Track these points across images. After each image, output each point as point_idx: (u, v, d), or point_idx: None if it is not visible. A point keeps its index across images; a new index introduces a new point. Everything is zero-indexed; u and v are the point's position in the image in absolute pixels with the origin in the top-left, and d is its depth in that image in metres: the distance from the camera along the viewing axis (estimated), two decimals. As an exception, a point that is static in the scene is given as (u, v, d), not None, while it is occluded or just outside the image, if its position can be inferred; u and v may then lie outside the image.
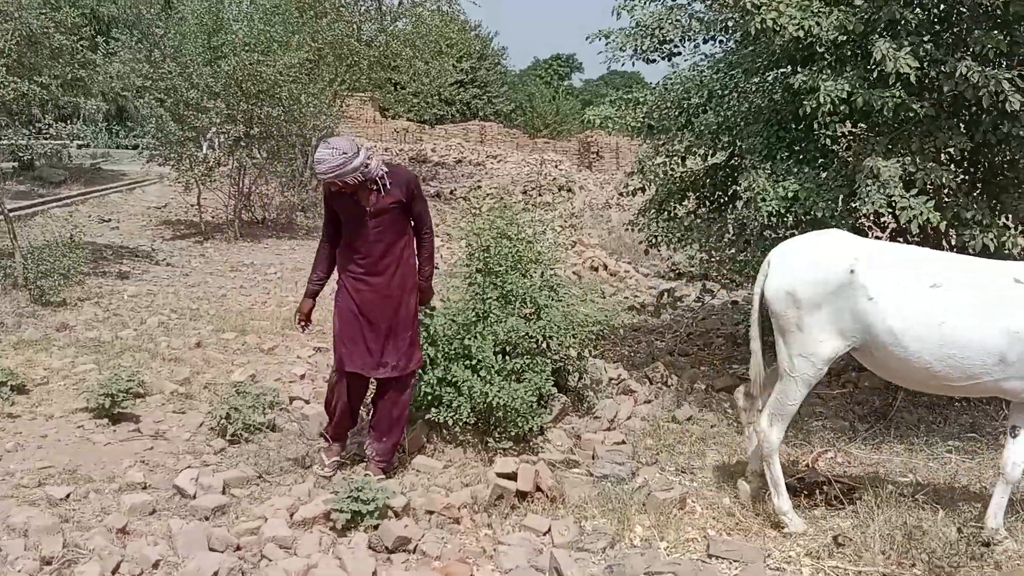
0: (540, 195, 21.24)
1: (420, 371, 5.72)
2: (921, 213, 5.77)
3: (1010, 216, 6.50)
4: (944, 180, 6.09)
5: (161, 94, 15.16)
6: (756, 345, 5.05)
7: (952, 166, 6.59)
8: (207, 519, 4.66)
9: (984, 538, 4.37)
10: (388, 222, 5.26)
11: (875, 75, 6.10)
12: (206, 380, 7.13)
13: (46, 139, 14.83)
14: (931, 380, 4.63)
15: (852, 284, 4.59)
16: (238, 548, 4.30)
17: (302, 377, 7.24)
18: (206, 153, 16.56)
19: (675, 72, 8.06)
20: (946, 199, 6.43)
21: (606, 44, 7.54)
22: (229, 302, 10.39)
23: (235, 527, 4.51)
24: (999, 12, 5.94)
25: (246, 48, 15.31)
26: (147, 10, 16.99)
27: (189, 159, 15.80)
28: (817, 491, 5.29)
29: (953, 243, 6.62)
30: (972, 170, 6.88)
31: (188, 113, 15.22)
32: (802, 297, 4.66)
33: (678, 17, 7.36)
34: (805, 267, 4.73)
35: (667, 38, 7.35)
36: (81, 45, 12.13)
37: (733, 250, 6.90)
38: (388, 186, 5.19)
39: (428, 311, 5.86)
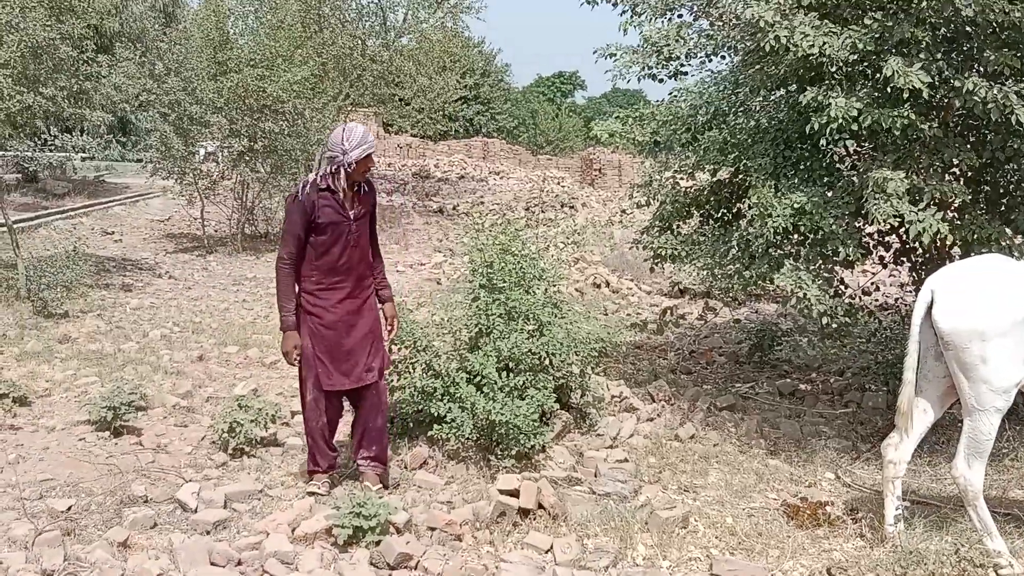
0: (543, 212, 21.28)
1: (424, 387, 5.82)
2: (931, 225, 5.76)
3: (1022, 234, 6.49)
4: (953, 195, 6.09)
5: (165, 108, 15.23)
6: (911, 375, 4.83)
7: (961, 184, 6.58)
8: (208, 533, 4.64)
9: (985, 560, 4.34)
10: (362, 228, 5.29)
11: (885, 94, 6.11)
12: (208, 394, 7.13)
13: (50, 151, 14.87)
14: None
15: None
16: (239, 563, 4.27)
17: (304, 392, 7.22)
18: (204, 161, 16.62)
19: (681, 89, 8.07)
20: (956, 218, 6.43)
21: (613, 63, 7.54)
22: (232, 316, 10.40)
23: (236, 542, 4.49)
24: (1007, 33, 5.96)
25: (251, 64, 15.38)
26: (151, 25, 17.08)
27: (193, 173, 15.87)
28: (820, 511, 5.26)
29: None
30: (979, 189, 6.88)
31: (192, 128, 15.29)
32: (988, 329, 4.51)
33: (682, 35, 7.37)
34: (991, 298, 4.59)
35: (673, 55, 7.35)
36: (87, 57, 12.18)
37: (738, 266, 6.88)
38: (367, 188, 5.30)
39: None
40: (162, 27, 20.91)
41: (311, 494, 5.14)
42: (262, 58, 15.77)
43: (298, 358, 5.15)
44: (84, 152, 23.74)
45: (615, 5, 7.43)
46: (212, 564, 4.21)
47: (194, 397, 6.98)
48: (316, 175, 5.18)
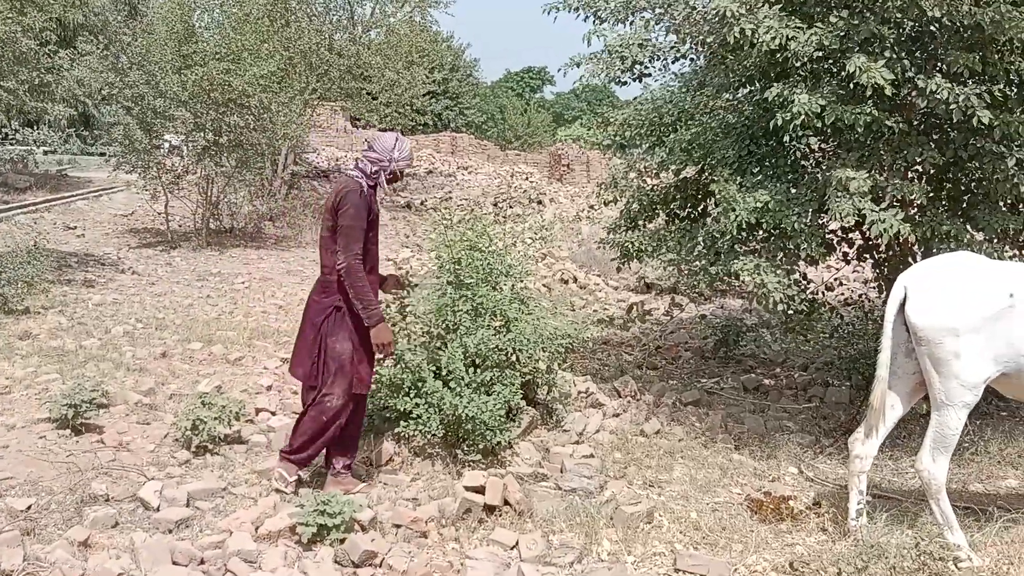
0: (511, 207, 21.28)
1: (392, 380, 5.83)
2: (892, 226, 5.82)
3: (983, 231, 6.57)
4: (914, 194, 6.16)
5: (128, 102, 15.06)
6: (884, 372, 4.88)
7: (923, 181, 6.66)
8: (171, 532, 4.60)
9: (945, 554, 4.39)
10: None
11: (849, 91, 6.17)
12: (171, 391, 7.05)
13: (11, 145, 14.67)
14: None
15: (1012, 308, 4.59)
16: (202, 562, 4.24)
17: (269, 388, 7.18)
18: (168, 154, 16.45)
19: (647, 91, 8.12)
20: (917, 215, 6.50)
21: (579, 73, 7.56)
22: (195, 312, 10.30)
23: (199, 540, 4.45)
24: (968, 33, 6.03)
25: (216, 57, 15.24)
26: (113, 17, 16.89)
27: (156, 167, 15.71)
28: (783, 505, 5.31)
29: (919, 259, 6.68)
30: (941, 186, 6.97)
31: (155, 121, 15.13)
32: (961, 325, 4.60)
33: (646, 38, 7.39)
34: (963, 294, 4.67)
35: (637, 60, 7.38)
36: (48, 51, 12.03)
37: (704, 262, 6.92)
38: None
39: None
40: (125, 19, 20.66)
41: (278, 491, 5.11)
42: (227, 52, 15.63)
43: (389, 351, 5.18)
44: (46, 146, 23.47)
45: (576, 12, 7.44)
46: (174, 563, 4.17)
47: (157, 394, 6.91)
48: (361, 174, 5.22)
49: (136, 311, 10.08)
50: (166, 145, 16.98)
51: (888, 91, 5.75)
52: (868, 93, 5.88)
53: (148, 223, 17.69)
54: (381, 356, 5.24)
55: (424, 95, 28.36)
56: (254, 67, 15.41)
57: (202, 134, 15.73)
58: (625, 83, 7.51)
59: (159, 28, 16.36)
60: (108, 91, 15.43)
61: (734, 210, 6.29)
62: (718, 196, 6.55)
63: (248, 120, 15.90)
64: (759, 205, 6.23)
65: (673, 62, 7.58)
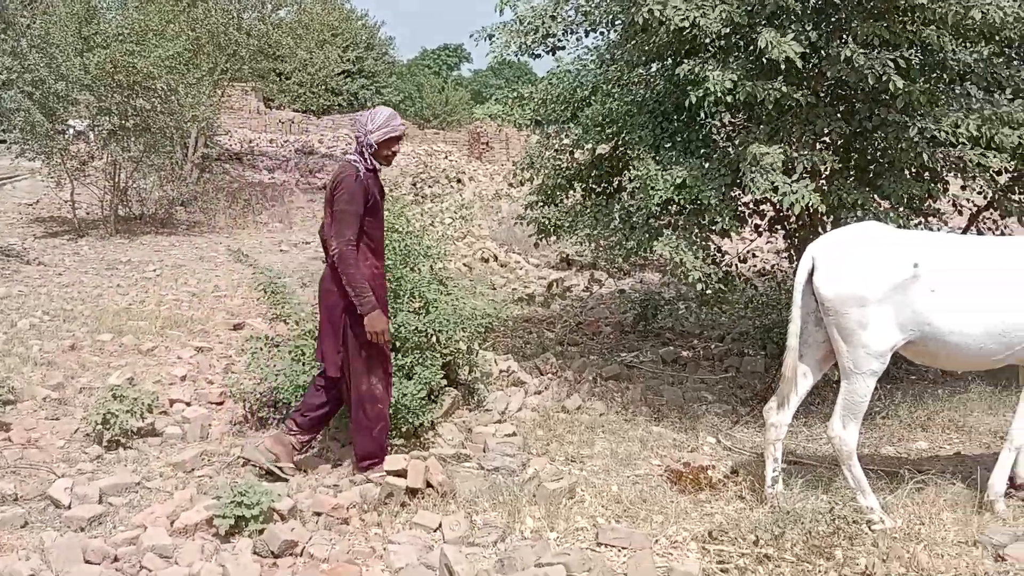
0: (430, 187, 21.13)
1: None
2: (803, 197, 5.92)
3: (889, 199, 6.73)
4: (823, 165, 6.28)
5: (28, 86, 14.51)
6: (795, 342, 4.98)
7: (831, 152, 6.79)
8: (83, 530, 4.48)
9: (858, 517, 4.51)
10: None
11: (759, 66, 6.23)
12: (81, 384, 6.85)
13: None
14: (979, 360, 4.89)
15: (916, 278, 4.68)
16: (115, 559, 4.13)
17: (183, 379, 7.02)
18: (73, 140, 15.91)
19: (560, 67, 8.12)
20: (825, 185, 6.62)
21: (490, 44, 7.50)
22: (105, 302, 10.01)
23: (113, 537, 4.34)
24: (873, 4, 6.14)
25: (119, 39, 14.78)
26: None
27: (60, 153, 15.19)
28: (702, 475, 5.39)
29: (829, 228, 6.82)
30: (849, 156, 7.11)
31: (58, 106, 14.63)
32: (867, 295, 4.68)
33: (558, 13, 7.37)
34: (869, 264, 4.76)
35: (550, 32, 7.36)
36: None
37: (620, 236, 6.96)
38: None
39: None
40: (23, 1, 19.87)
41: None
42: (131, 33, 15.18)
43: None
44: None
45: None
46: (87, 562, 4.08)
47: (66, 388, 6.71)
48: (358, 158, 5.09)
49: (43, 303, 9.75)
50: (71, 130, 16.43)
51: (799, 64, 5.83)
52: (781, 67, 5.95)
53: (54, 212, 17.12)
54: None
55: (338, 75, 28.00)
56: (159, 48, 14.98)
57: (107, 118, 15.25)
58: (538, 55, 7.49)
59: (59, 9, 15.78)
60: (7, 76, 14.85)
61: (654, 187, 6.33)
62: (635, 174, 6.58)
63: (155, 103, 15.47)
64: (678, 181, 6.29)
65: (586, 35, 7.58)
